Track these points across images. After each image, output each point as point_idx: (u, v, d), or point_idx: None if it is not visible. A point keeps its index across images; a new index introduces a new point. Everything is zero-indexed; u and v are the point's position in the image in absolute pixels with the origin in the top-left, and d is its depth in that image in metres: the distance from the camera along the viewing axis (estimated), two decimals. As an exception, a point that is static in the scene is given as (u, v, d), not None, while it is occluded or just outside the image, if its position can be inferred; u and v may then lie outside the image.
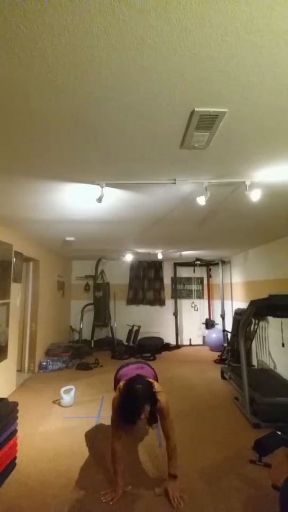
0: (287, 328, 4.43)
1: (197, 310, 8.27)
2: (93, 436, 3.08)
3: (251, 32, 1.02)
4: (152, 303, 8.08)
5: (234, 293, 7.01)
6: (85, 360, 6.10)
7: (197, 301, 8.31)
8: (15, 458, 2.54)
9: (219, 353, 6.57)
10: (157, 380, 2.70)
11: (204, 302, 8.29)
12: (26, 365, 5.38)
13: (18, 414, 2.62)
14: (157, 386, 2.28)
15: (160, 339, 7.35)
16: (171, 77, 1.23)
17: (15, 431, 2.57)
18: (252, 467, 2.53)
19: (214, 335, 7.25)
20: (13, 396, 4.14)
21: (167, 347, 7.46)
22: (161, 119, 1.52)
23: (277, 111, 1.46)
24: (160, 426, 2.29)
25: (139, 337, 7.24)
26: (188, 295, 8.32)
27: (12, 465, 2.48)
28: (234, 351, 5.70)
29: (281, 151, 1.85)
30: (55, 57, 1.12)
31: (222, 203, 2.93)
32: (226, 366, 5.21)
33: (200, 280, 8.39)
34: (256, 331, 5.51)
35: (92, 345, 7.01)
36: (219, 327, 7.67)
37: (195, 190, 2.54)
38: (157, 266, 8.18)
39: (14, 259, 4.30)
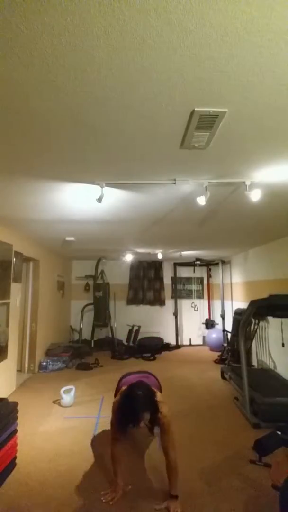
0: (287, 328, 4.43)
1: (197, 310, 8.27)
2: (93, 436, 3.08)
3: (251, 32, 1.02)
4: (152, 303, 8.08)
5: (234, 293, 7.01)
6: (85, 360, 6.10)
7: (197, 301, 8.31)
8: (15, 458, 2.54)
9: (219, 353, 6.57)
10: (160, 391, 2.63)
11: (204, 302, 8.29)
12: (26, 365, 5.38)
13: (18, 414, 2.62)
14: (159, 396, 2.22)
15: (160, 339, 7.36)
16: (171, 77, 1.23)
17: (15, 431, 2.57)
18: (252, 467, 2.53)
19: (214, 335, 7.25)
20: (13, 396, 4.14)
21: (167, 347, 7.46)
22: (161, 119, 1.52)
23: (277, 111, 1.46)
24: (160, 442, 2.20)
25: (139, 337, 7.24)
26: (188, 295, 8.32)
27: (12, 465, 2.48)
28: (234, 351, 5.70)
29: (281, 151, 1.85)
30: (55, 57, 1.12)
31: (222, 203, 2.93)
32: (226, 366, 5.21)
33: (200, 280, 8.39)
34: (256, 331, 5.51)
35: (92, 345, 7.01)
36: (219, 327, 7.67)
37: (195, 190, 2.54)
38: (157, 266, 8.18)
39: (14, 259, 4.30)
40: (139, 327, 7.32)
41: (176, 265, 8.17)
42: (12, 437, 2.50)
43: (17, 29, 1.01)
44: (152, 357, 6.56)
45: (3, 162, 2.01)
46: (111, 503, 2.09)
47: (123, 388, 2.26)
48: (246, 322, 3.86)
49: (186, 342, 8.06)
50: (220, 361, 6.12)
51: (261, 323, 5.36)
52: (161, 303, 8.08)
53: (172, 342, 7.85)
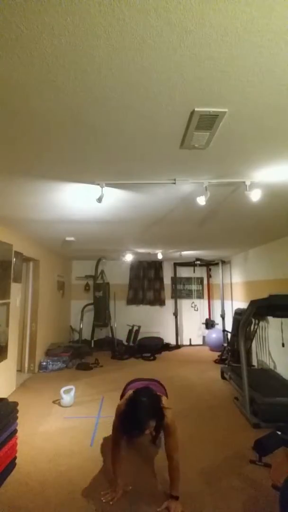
0: (287, 328, 4.43)
1: (197, 310, 8.27)
2: (93, 436, 3.08)
3: (251, 32, 1.02)
4: (152, 303, 8.08)
5: (234, 293, 7.01)
6: (85, 360, 6.10)
7: (197, 301, 8.31)
8: (15, 458, 2.54)
9: (219, 353, 6.57)
10: (166, 397, 2.58)
11: (204, 302, 8.29)
12: (26, 365, 5.38)
13: (18, 414, 2.62)
14: (165, 401, 2.20)
15: (160, 339, 7.36)
16: (171, 77, 1.23)
17: (15, 431, 2.57)
18: (252, 467, 2.53)
19: (214, 335, 7.26)
20: (13, 396, 4.14)
21: (167, 347, 7.46)
22: (161, 119, 1.52)
23: (277, 111, 1.46)
24: (164, 445, 2.18)
25: (139, 337, 7.24)
26: (188, 295, 8.32)
27: (12, 465, 2.48)
28: (234, 351, 5.70)
29: (281, 151, 1.85)
30: (55, 57, 1.12)
31: (222, 203, 2.93)
32: (226, 366, 5.21)
33: (200, 280, 8.39)
34: (256, 331, 5.51)
35: (92, 345, 7.01)
36: (219, 327, 7.67)
37: (195, 190, 2.54)
38: (157, 266, 8.18)
39: (14, 259, 4.30)
40: (139, 327, 7.32)
41: (176, 265, 8.17)
42: (12, 437, 2.50)
43: (17, 29, 1.01)
44: (152, 357, 6.56)
45: (3, 162, 2.01)
46: (111, 503, 2.09)
47: (130, 392, 2.22)
48: (246, 322, 3.86)
49: (186, 342, 8.06)
50: (220, 361, 6.12)
51: (261, 323, 5.36)
52: (161, 303, 8.09)
53: (172, 342, 7.86)
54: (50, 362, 5.52)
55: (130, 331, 7.26)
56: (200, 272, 8.40)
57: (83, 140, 1.72)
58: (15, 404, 2.63)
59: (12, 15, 0.96)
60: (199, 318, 8.21)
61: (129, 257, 6.95)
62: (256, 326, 5.47)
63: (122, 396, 2.67)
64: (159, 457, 2.67)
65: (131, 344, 7.08)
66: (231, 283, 7.25)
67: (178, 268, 8.31)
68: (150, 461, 2.63)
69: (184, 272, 8.37)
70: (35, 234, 4.53)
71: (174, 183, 2.33)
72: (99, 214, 3.36)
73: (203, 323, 8.10)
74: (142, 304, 8.10)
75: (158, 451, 2.76)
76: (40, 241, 5.19)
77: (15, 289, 4.35)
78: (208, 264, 8.11)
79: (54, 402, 3.97)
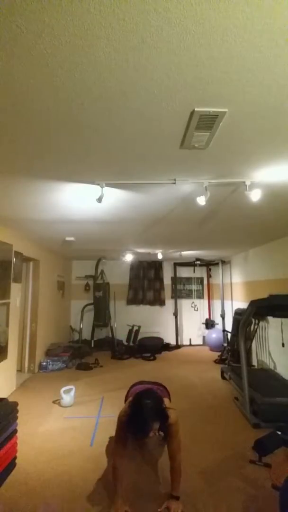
0: (287, 328, 4.43)
1: (197, 310, 8.27)
2: (93, 436, 3.08)
3: (251, 32, 1.02)
4: (152, 303, 8.08)
5: (234, 293, 7.01)
6: (85, 360, 6.10)
7: (197, 301, 8.31)
8: (15, 458, 2.54)
9: (219, 353, 6.57)
10: (169, 399, 2.54)
11: (204, 302, 8.29)
12: (26, 365, 5.38)
13: (18, 414, 2.62)
14: (167, 402, 2.18)
15: (160, 339, 7.36)
16: (171, 77, 1.23)
17: (15, 431, 2.57)
18: (252, 467, 2.53)
19: (214, 335, 7.25)
20: (13, 396, 4.14)
21: (167, 347, 7.46)
22: (161, 119, 1.52)
23: (277, 111, 1.46)
24: (166, 445, 2.16)
25: (139, 337, 7.24)
26: (188, 295, 8.32)
27: (12, 465, 2.48)
28: (234, 351, 5.71)
29: (281, 151, 1.85)
30: (55, 57, 1.12)
31: (222, 203, 2.93)
32: (226, 366, 5.21)
33: (200, 280, 8.39)
34: (256, 331, 5.51)
35: (92, 345, 7.01)
36: (219, 327, 7.67)
37: (195, 190, 2.54)
38: (157, 266, 8.18)
39: (14, 259, 4.30)
40: (139, 327, 7.32)
41: (176, 265, 8.17)
42: (12, 437, 2.50)
43: (17, 29, 1.01)
44: (152, 357, 6.56)
45: (4, 162, 2.01)
46: None
47: (130, 399, 2.18)
48: (246, 322, 3.86)
49: (186, 342, 8.06)
50: (220, 361, 6.12)
51: (261, 323, 5.36)
52: (161, 303, 8.08)
53: (172, 342, 7.85)
54: (50, 362, 5.52)
55: (130, 331, 7.26)
56: (200, 272, 8.40)
57: (83, 140, 1.72)
58: (15, 404, 2.63)
59: (12, 15, 0.96)
60: (199, 318, 8.21)
61: (129, 257, 6.95)
62: (256, 326, 5.47)
63: (126, 398, 2.65)
64: (160, 456, 2.67)
65: (131, 344, 7.08)
66: (231, 283, 7.25)
67: (178, 268, 8.31)
68: (152, 461, 2.63)
69: (184, 272, 8.37)
70: (35, 234, 4.53)
71: (174, 183, 2.33)
72: (99, 214, 3.36)
73: (203, 323, 8.10)
74: (142, 304, 8.10)
75: (160, 450, 2.76)
76: (40, 241, 5.19)
77: (15, 289, 4.35)
78: (208, 264, 8.11)
79: (54, 402, 3.97)
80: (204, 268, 8.35)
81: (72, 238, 4.80)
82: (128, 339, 7.19)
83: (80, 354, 6.21)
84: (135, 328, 7.26)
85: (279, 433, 2.71)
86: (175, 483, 2.11)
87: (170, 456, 2.13)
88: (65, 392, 3.85)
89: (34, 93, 1.32)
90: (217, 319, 7.82)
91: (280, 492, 1.87)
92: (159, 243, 5.40)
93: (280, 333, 4.62)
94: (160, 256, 6.85)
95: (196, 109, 1.43)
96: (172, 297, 8.18)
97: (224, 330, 7.11)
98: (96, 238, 4.82)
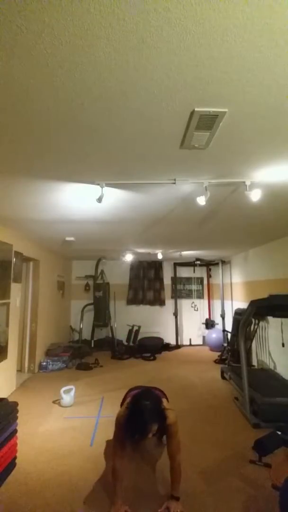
0: (287, 328, 4.43)
1: (197, 310, 8.27)
2: (93, 436, 3.08)
3: (251, 32, 1.02)
4: (152, 303, 8.08)
5: (234, 293, 7.01)
6: (85, 360, 6.10)
7: (197, 301, 8.31)
8: (15, 458, 2.54)
9: (219, 353, 6.57)
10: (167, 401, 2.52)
11: (204, 302, 8.29)
12: (26, 365, 5.38)
13: (18, 414, 2.62)
14: (166, 403, 2.17)
15: (160, 339, 7.36)
16: (171, 77, 1.23)
17: (15, 431, 2.57)
18: (252, 467, 2.53)
19: (214, 335, 7.25)
20: (13, 396, 4.14)
21: (167, 347, 7.46)
22: (161, 119, 1.52)
23: (277, 111, 1.46)
24: (166, 446, 2.16)
25: (139, 337, 7.24)
26: (188, 295, 8.32)
27: (12, 465, 2.48)
28: (234, 351, 5.70)
29: (281, 151, 1.85)
30: (55, 57, 1.12)
31: (222, 203, 2.93)
32: (226, 366, 5.21)
33: (200, 280, 8.39)
34: (256, 331, 5.51)
35: (92, 345, 7.01)
36: (219, 327, 7.67)
37: (195, 190, 2.54)
38: (157, 266, 8.18)
39: (14, 259, 4.30)
40: (139, 327, 7.32)
41: (176, 265, 8.17)
42: (12, 437, 2.50)
43: (17, 29, 1.01)
44: (152, 357, 6.56)
45: (4, 162, 2.01)
46: None
47: (128, 400, 2.17)
48: (246, 322, 3.86)
49: (186, 342, 8.06)
50: (220, 361, 6.12)
51: (261, 323, 5.36)
52: (161, 303, 8.08)
53: (172, 342, 7.85)
54: (50, 362, 5.52)
55: (130, 331, 7.26)
56: (200, 272, 8.40)
57: (83, 140, 1.72)
58: (15, 404, 2.63)
59: (12, 15, 0.96)
60: (199, 318, 8.21)
61: (129, 257, 6.95)
62: (256, 326, 5.47)
63: (122, 402, 2.62)
64: (160, 457, 2.67)
65: (131, 344, 7.08)
66: (231, 283, 7.25)
67: (178, 268, 8.31)
68: (151, 461, 2.63)
69: (184, 272, 8.37)
70: (35, 234, 4.53)
71: (174, 183, 2.33)
72: (99, 214, 3.36)
73: (203, 323, 8.10)
74: (142, 304, 8.10)
75: (160, 451, 2.76)
76: (40, 241, 5.19)
77: (15, 289, 4.35)
78: (208, 264, 8.11)
79: (54, 402, 3.97)
80: (204, 268, 8.35)
81: (72, 238, 4.80)
82: (128, 339, 7.19)
83: (80, 354, 6.21)
84: (135, 328, 7.26)
85: (279, 433, 2.71)
86: (175, 484, 2.11)
87: (169, 456, 2.12)
88: (65, 392, 3.85)
89: (34, 93, 1.32)
90: (217, 319, 7.82)
91: (280, 492, 1.87)
92: (159, 243, 5.40)
93: (280, 333, 4.61)
94: (160, 256, 6.85)
95: (196, 109, 1.43)
96: (172, 297, 8.18)
97: (224, 330, 7.11)
98: (96, 238, 4.82)
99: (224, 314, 7.28)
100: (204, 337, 7.98)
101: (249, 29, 1.01)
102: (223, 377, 5.00)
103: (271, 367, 4.95)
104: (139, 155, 1.91)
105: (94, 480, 2.37)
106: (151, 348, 6.90)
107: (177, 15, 0.96)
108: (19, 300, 4.57)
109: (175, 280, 8.18)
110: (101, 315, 7.06)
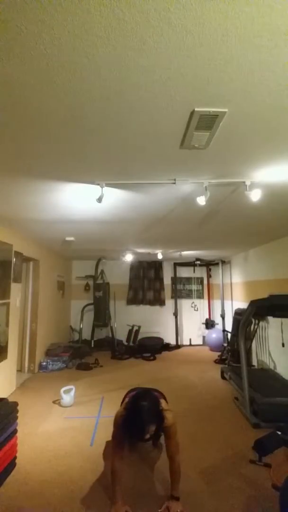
0: (287, 328, 4.43)
1: (197, 310, 8.27)
2: (93, 436, 3.08)
3: (251, 32, 1.02)
4: (152, 303, 8.08)
5: (234, 293, 7.01)
6: (85, 360, 6.10)
7: (197, 301, 8.31)
8: (15, 458, 2.54)
9: (219, 353, 6.57)
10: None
11: (204, 302, 8.29)
12: (26, 365, 5.38)
13: (18, 414, 2.62)
14: (164, 404, 2.17)
15: (160, 339, 7.36)
16: (171, 77, 1.23)
17: (15, 431, 2.57)
18: (252, 467, 2.53)
19: (214, 335, 7.26)
20: (13, 396, 4.14)
21: (167, 347, 7.46)
22: (161, 119, 1.52)
23: (277, 111, 1.46)
24: (164, 447, 2.16)
25: (139, 337, 7.25)
26: (188, 295, 8.32)
27: (12, 465, 2.48)
28: (234, 351, 5.70)
29: (281, 151, 1.85)
30: (55, 57, 1.12)
31: (222, 203, 2.93)
32: (226, 366, 5.21)
33: (200, 280, 8.39)
34: (256, 331, 5.51)
35: (92, 345, 7.01)
36: (219, 327, 7.67)
37: (195, 190, 2.54)
38: (157, 266, 8.18)
39: (14, 259, 4.30)
40: (139, 327, 7.32)
41: (176, 265, 8.17)
42: (12, 437, 2.50)
43: (17, 29, 1.01)
44: (152, 357, 6.56)
45: (4, 162, 2.01)
46: None
47: (127, 399, 2.17)
48: (246, 322, 3.86)
49: (186, 342, 8.06)
50: (220, 361, 6.12)
51: (261, 323, 5.36)
52: (161, 303, 8.08)
53: (172, 342, 7.85)
54: (50, 362, 5.52)
55: (130, 331, 7.26)
56: (200, 272, 8.40)
57: (83, 140, 1.72)
58: (15, 404, 2.63)
59: (12, 15, 0.96)
60: (199, 318, 8.21)
61: (129, 257, 6.95)
62: (256, 326, 5.47)
63: (122, 403, 2.60)
64: (159, 458, 2.67)
65: (131, 344, 7.08)
66: (231, 283, 7.25)
67: (178, 268, 8.31)
68: (151, 462, 2.63)
69: (184, 272, 8.37)
70: (35, 234, 4.53)
71: (174, 183, 2.33)
72: (99, 214, 3.36)
73: (203, 323, 8.10)
74: (142, 304, 8.10)
75: (159, 452, 2.76)
76: (40, 241, 5.19)
77: (15, 289, 4.35)
78: (208, 264, 8.11)
79: (54, 402, 3.97)
80: (204, 268, 8.35)
81: (72, 238, 4.80)
82: (128, 339, 7.19)
83: (80, 354, 6.21)
84: (135, 328, 7.26)
85: (279, 433, 2.71)
86: (174, 484, 2.11)
87: (169, 457, 2.13)
88: (65, 392, 3.85)
89: (34, 93, 1.32)
90: (217, 319, 7.82)
91: (280, 492, 1.87)
92: (159, 243, 5.40)
93: (280, 333, 4.61)
94: (160, 256, 6.85)
95: (196, 109, 1.43)
96: (172, 297, 8.18)
97: (224, 330, 7.11)
98: (96, 238, 4.82)
99: (224, 314, 7.28)
100: (204, 337, 7.98)
101: (249, 29, 1.01)
102: (223, 377, 5.00)
103: (271, 367, 4.95)
104: (139, 155, 1.91)
105: (94, 480, 2.37)
106: (151, 348, 6.90)
107: (177, 15, 0.96)
108: (19, 300, 4.57)
109: (175, 280, 8.18)
110: (101, 315, 7.06)
